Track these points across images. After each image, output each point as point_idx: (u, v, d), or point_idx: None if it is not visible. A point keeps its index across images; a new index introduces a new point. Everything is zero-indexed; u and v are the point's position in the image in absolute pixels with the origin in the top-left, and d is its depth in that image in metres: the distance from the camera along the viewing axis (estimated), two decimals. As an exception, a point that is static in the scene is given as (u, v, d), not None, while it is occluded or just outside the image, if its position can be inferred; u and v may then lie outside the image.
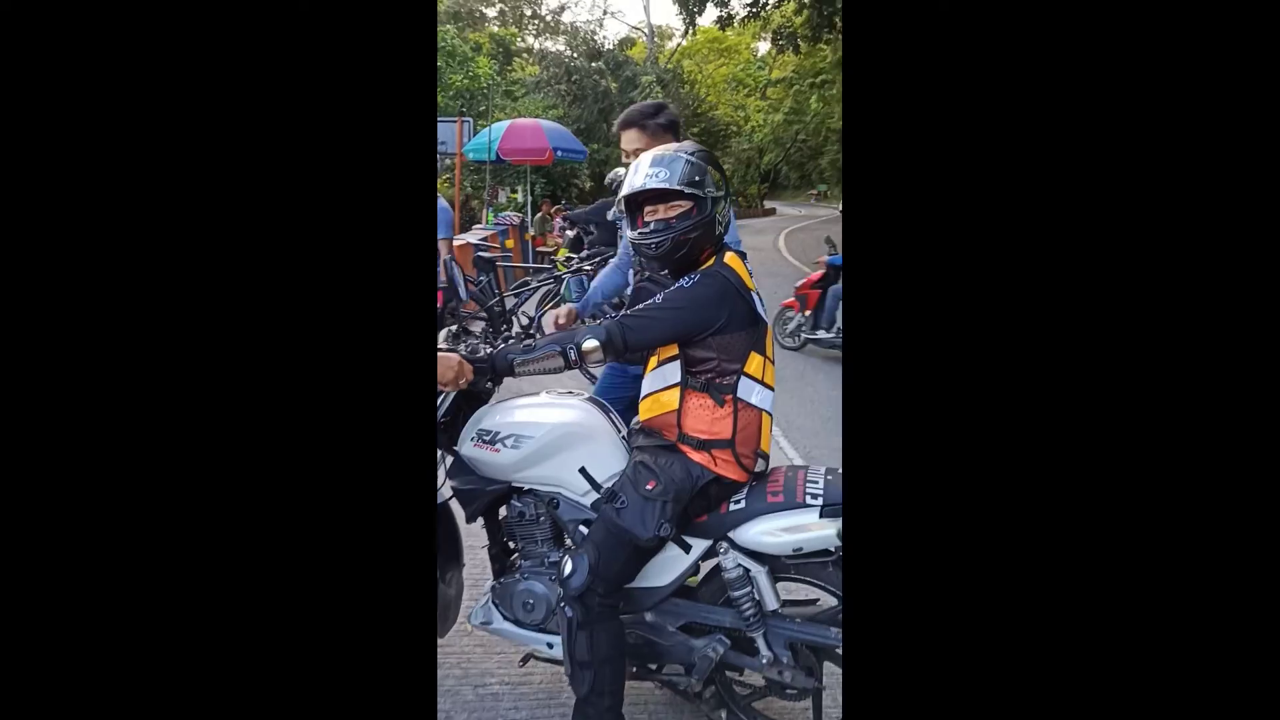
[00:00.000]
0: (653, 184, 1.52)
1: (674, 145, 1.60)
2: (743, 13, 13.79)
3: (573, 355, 1.52)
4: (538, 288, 3.96)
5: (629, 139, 2.09)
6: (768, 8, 13.68)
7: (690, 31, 15.71)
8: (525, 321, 2.13)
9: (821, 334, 5.80)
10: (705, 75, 30.27)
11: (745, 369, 1.53)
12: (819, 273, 5.97)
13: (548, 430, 1.66)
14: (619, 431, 1.74)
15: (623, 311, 1.56)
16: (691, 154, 1.55)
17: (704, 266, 1.56)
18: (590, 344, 1.51)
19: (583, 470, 1.63)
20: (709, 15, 14.75)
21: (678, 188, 1.51)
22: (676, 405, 1.55)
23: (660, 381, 1.58)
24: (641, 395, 1.65)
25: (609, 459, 1.67)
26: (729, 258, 1.58)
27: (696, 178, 1.52)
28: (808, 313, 5.92)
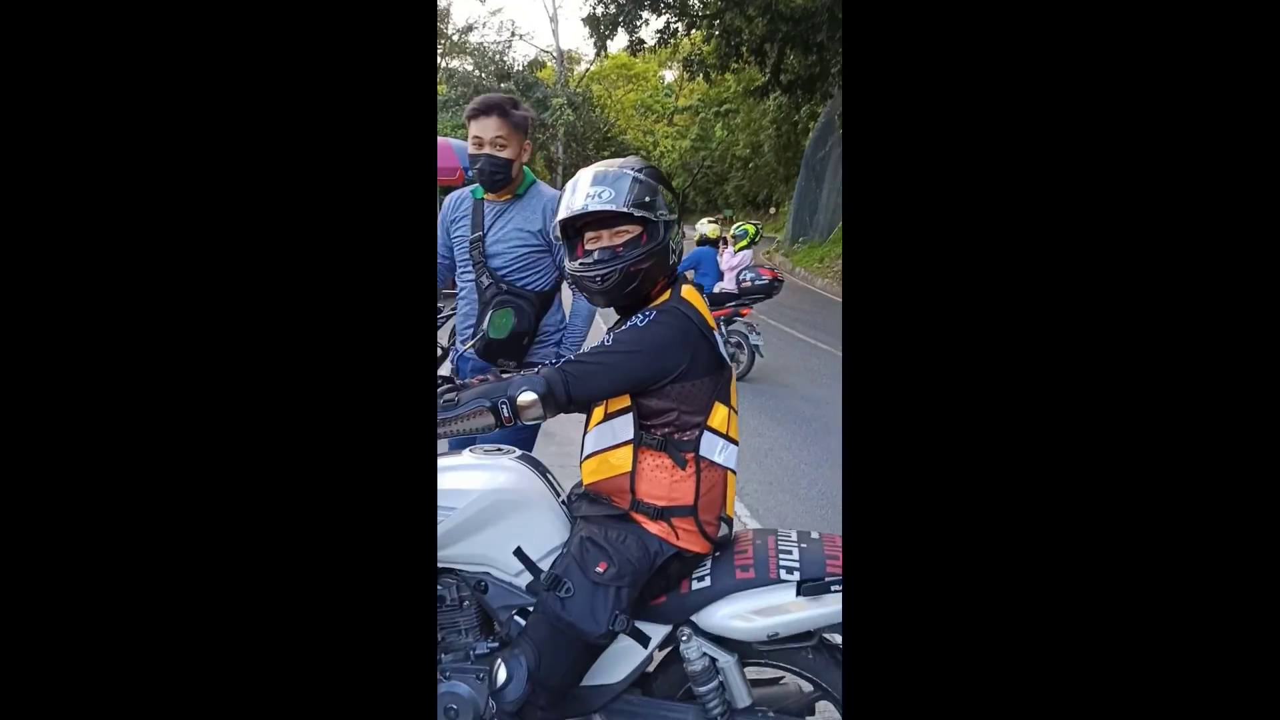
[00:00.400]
0: (595, 206, 1.29)
1: (618, 161, 1.37)
2: (653, 39, 13.88)
3: (505, 411, 1.25)
4: (451, 315, 3.63)
5: (488, 126, 1.85)
6: (677, 35, 13.83)
7: (601, 54, 15.66)
8: (438, 353, 1.85)
9: None
10: (614, 100, 30.59)
11: (708, 422, 1.31)
12: None
13: (474, 499, 1.38)
14: (558, 496, 1.48)
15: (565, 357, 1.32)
16: (639, 171, 1.33)
17: (658, 302, 1.33)
18: (527, 397, 1.25)
19: (518, 552, 1.35)
20: (620, 41, 14.76)
21: (625, 210, 1.28)
22: (629, 467, 1.31)
23: (608, 438, 1.33)
24: (584, 454, 1.39)
25: (548, 531, 1.41)
26: (686, 291, 1.36)
27: (646, 198, 1.29)
28: None
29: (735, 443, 1.35)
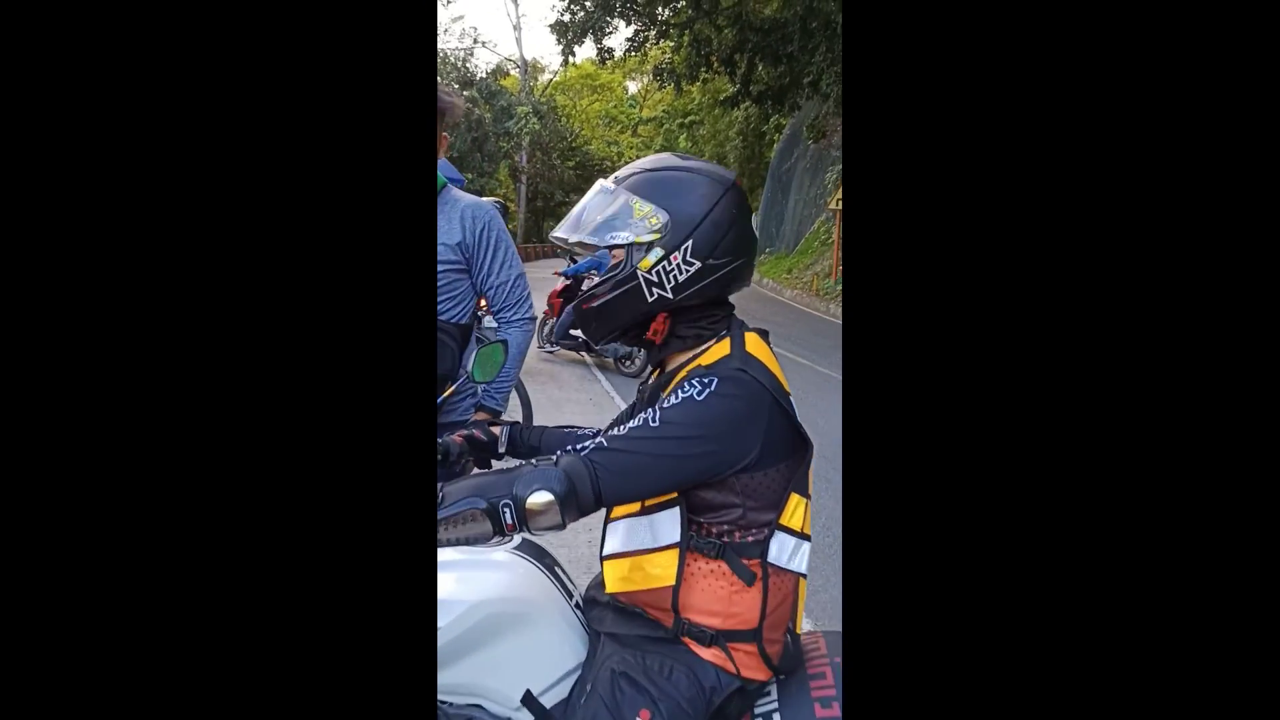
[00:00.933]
0: (560, 233, 1.08)
1: (628, 168, 1.07)
2: (622, 48, 13.64)
3: (508, 517, 0.91)
4: None
5: None
6: (647, 43, 13.61)
7: (571, 60, 15.32)
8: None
9: (560, 340, 6.50)
10: (579, 110, 30.41)
11: (781, 519, 1.00)
12: (563, 283, 6.46)
13: (464, 613, 1.04)
14: (570, 598, 1.15)
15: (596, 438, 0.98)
16: (625, 179, 1.03)
17: (715, 360, 1.00)
18: (539, 498, 0.90)
19: (527, 698, 1.02)
20: (587, 49, 14.48)
21: (572, 238, 1.05)
22: (674, 578, 0.99)
23: (646, 539, 1.01)
24: (609, 551, 1.07)
25: (560, 650, 1.08)
26: (751, 342, 1.03)
27: (597, 216, 1.02)
28: (554, 320, 6.46)
29: (809, 539, 1.05)
